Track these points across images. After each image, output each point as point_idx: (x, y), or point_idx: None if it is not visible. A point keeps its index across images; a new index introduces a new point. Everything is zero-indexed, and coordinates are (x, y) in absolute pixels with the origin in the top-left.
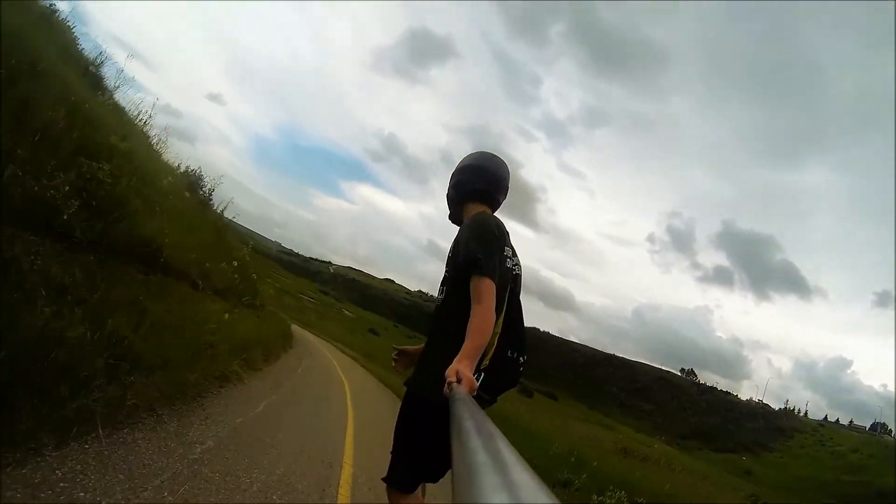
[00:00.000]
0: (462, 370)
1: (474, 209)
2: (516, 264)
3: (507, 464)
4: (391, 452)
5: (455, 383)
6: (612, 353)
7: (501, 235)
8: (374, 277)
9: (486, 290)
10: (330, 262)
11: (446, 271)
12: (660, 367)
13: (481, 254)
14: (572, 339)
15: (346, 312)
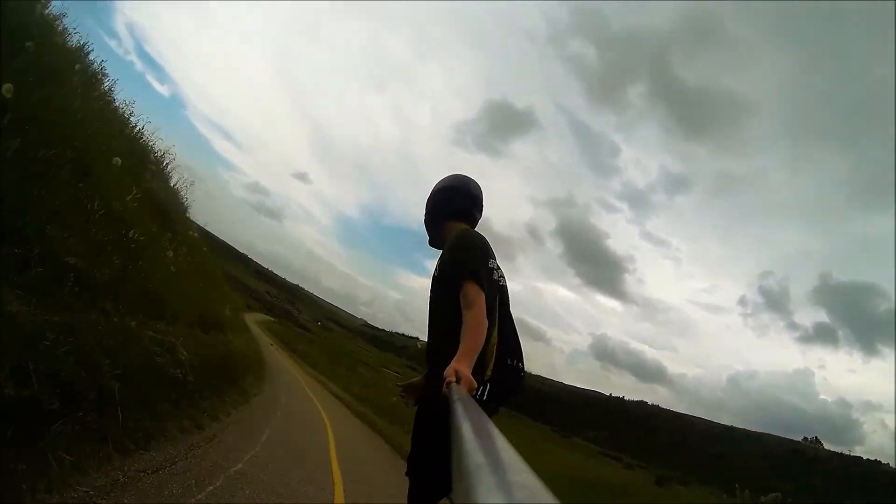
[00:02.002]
0: (460, 369)
1: (454, 227)
2: (502, 276)
3: (507, 464)
4: (407, 475)
5: (454, 383)
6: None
7: (486, 248)
8: None
9: (476, 296)
10: (417, 338)
11: (432, 292)
12: (787, 437)
13: (468, 264)
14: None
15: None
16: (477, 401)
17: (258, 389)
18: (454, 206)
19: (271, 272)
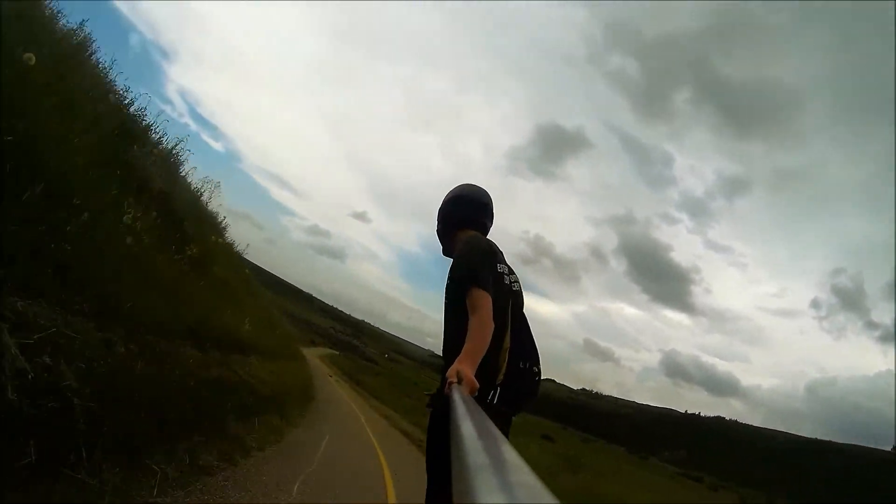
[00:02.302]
0: (463, 370)
1: (463, 235)
2: (514, 281)
3: (507, 464)
4: (427, 475)
5: (455, 383)
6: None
7: (492, 252)
8: None
9: (480, 301)
10: None
11: (445, 297)
12: (876, 447)
13: (473, 269)
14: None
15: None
16: (488, 405)
17: (279, 435)
18: (463, 214)
19: (336, 309)
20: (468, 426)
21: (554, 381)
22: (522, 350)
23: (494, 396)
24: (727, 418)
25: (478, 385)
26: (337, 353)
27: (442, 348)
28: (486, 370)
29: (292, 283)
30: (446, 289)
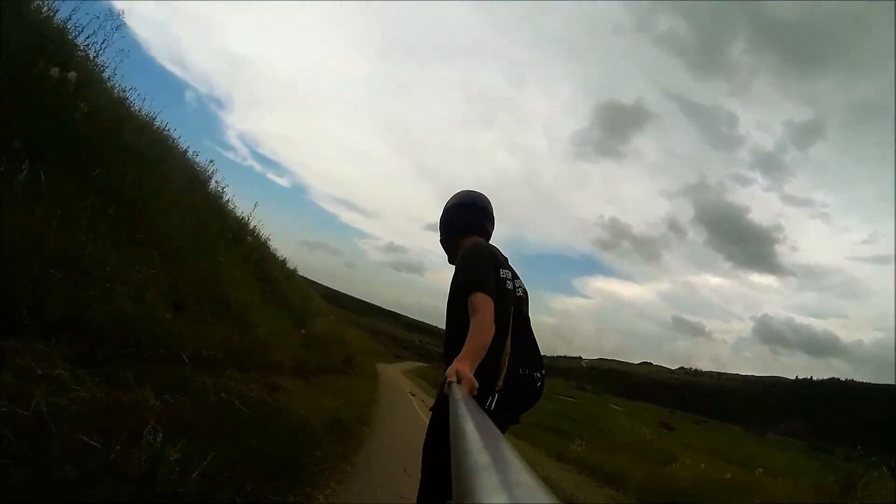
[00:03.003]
0: (462, 369)
1: (466, 242)
2: (519, 286)
3: (507, 464)
4: (420, 483)
5: (455, 383)
6: None
7: (493, 257)
8: (629, 364)
9: (481, 304)
10: (580, 357)
11: (448, 302)
12: None
13: (473, 273)
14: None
15: (614, 406)
16: (486, 410)
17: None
18: (463, 221)
19: (423, 322)
20: (468, 425)
21: (650, 363)
22: (523, 356)
23: (493, 402)
24: (842, 378)
25: (477, 384)
26: (426, 365)
27: (443, 354)
28: (485, 375)
29: (376, 303)
30: (449, 295)
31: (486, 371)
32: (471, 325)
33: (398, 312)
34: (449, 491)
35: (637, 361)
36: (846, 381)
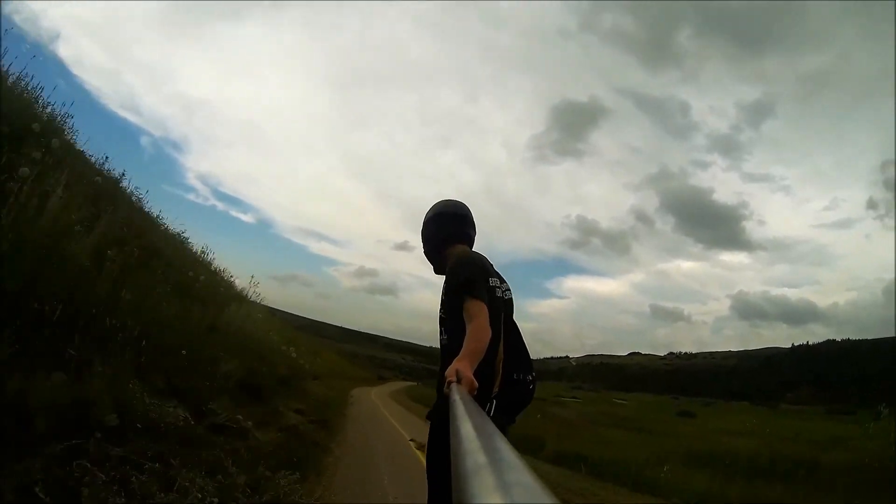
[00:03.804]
0: (462, 369)
1: (453, 250)
2: (507, 290)
3: (506, 464)
4: (429, 493)
5: (455, 383)
6: None
7: (482, 264)
8: (618, 356)
9: (477, 310)
10: (567, 356)
11: (441, 312)
12: None
13: (467, 280)
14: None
15: (617, 401)
16: None
17: None
18: (446, 231)
19: (404, 342)
20: (468, 426)
21: (639, 352)
22: (516, 361)
23: (491, 408)
24: (838, 339)
25: (477, 384)
26: (415, 383)
27: (439, 367)
28: (482, 381)
29: (353, 328)
30: (441, 304)
31: (482, 377)
32: (468, 329)
33: (377, 334)
34: None
35: (625, 353)
36: (842, 340)
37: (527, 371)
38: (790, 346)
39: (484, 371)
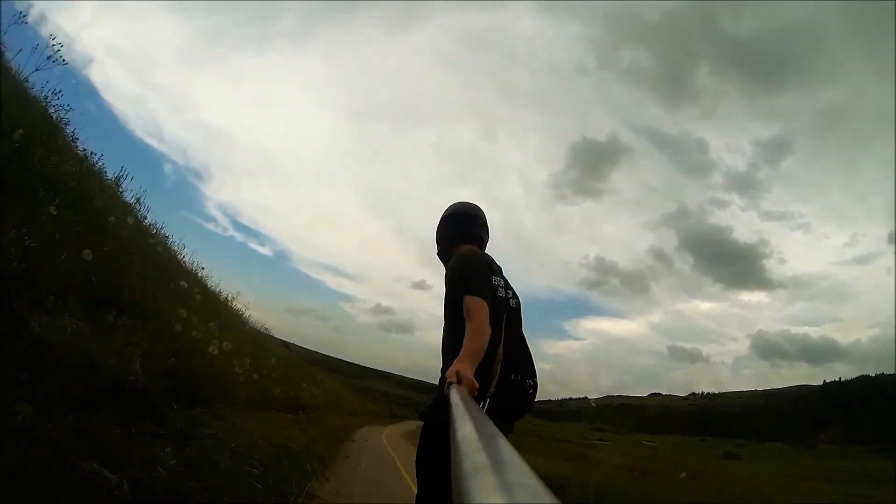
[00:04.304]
0: (462, 370)
1: (461, 250)
2: (512, 296)
3: (507, 464)
4: (418, 492)
5: (455, 384)
6: None
7: (486, 263)
8: (639, 397)
9: (475, 307)
10: (586, 397)
11: (444, 311)
12: None
13: (467, 278)
14: None
15: (646, 443)
16: None
17: None
18: (457, 231)
19: (419, 380)
20: (468, 426)
21: (660, 393)
22: (515, 363)
23: (484, 407)
24: (872, 374)
25: (477, 385)
26: None
27: (442, 365)
28: (477, 381)
29: (368, 364)
30: (444, 302)
31: (478, 376)
32: (467, 328)
33: (391, 372)
34: (448, 497)
35: (645, 394)
36: (877, 375)
37: (527, 374)
38: (821, 382)
39: (481, 370)
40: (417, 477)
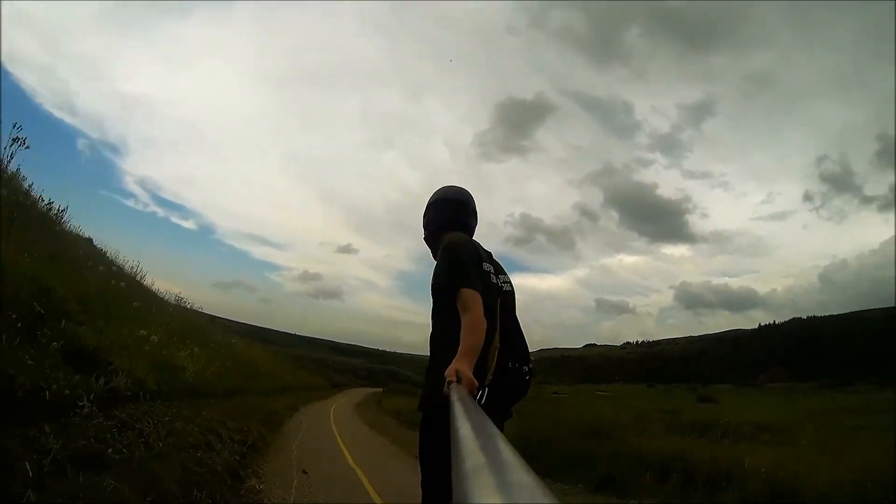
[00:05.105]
0: (461, 369)
1: (447, 237)
2: (505, 282)
3: (506, 464)
4: (421, 486)
5: (455, 383)
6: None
7: (475, 251)
8: (576, 348)
9: (470, 300)
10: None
11: (433, 298)
12: None
13: (459, 268)
14: None
15: (601, 393)
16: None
17: None
18: (445, 217)
19: (350, 344)
20: (467, 426)
21: (595, 344)
22: (512, 350)
23: (483, 397)
24: (804, 317)
25: (477, 384)
26: (381, 390)
27: (429, 348)
28: (475, 370)
29: (303, 334)
30: (432, 289)
31: (475, 365)
32: (463, 323)
33: (324, 339)
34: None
35: (580, 345)
36: (808, 318)
37: (523, 361)
38: (757, 325)
39: (478, 359)
40: (421, 464)
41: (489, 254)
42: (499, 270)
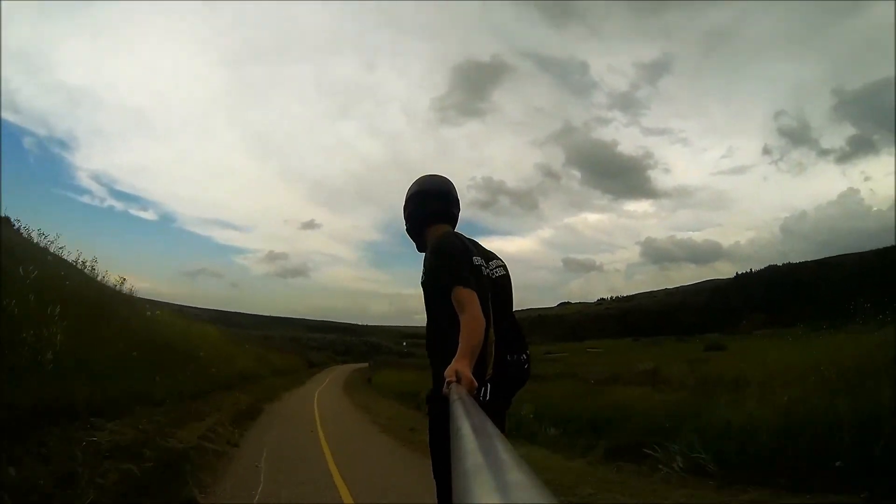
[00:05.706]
0: (461, 369)
1: (435, 231)
2: (498, 266)
3: (505, 464)
4: (434, 478)
5: (454, 383)
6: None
7: (464, 248)
8: (551, 308)
9: (467, 299)
10: None
11: (424, 296)
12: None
13: (452, 268)
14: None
15: (592, 350)
16: (480, 401)
17: None
18: (429, 209)
19: (322, 321)
20: (467, 426)
21: (569, 302)
22: (509, 342)
23: (486, 393)
24: (779, 264)
25: (476, 384)
26: (366, 365)
27: (426, 346)
28: (476, 365)
29: (274, 314)
30: (422, 284)
31: (475, 362)
32: (461, 323)
33: (296, 318)
34: None
35: (555, 304)
36: (783, 265)
37: (520, 351)
38: (734, 274)
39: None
40: (434, 473)
41: (475, 242)
42: (489, 257)
